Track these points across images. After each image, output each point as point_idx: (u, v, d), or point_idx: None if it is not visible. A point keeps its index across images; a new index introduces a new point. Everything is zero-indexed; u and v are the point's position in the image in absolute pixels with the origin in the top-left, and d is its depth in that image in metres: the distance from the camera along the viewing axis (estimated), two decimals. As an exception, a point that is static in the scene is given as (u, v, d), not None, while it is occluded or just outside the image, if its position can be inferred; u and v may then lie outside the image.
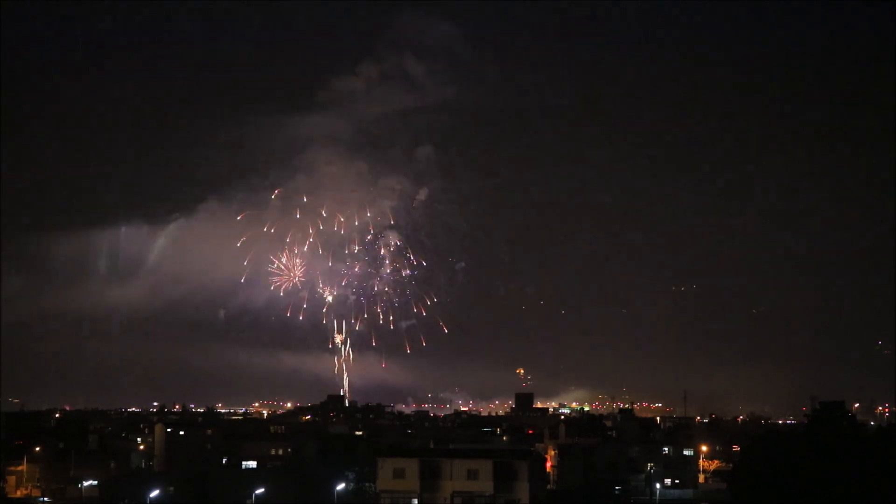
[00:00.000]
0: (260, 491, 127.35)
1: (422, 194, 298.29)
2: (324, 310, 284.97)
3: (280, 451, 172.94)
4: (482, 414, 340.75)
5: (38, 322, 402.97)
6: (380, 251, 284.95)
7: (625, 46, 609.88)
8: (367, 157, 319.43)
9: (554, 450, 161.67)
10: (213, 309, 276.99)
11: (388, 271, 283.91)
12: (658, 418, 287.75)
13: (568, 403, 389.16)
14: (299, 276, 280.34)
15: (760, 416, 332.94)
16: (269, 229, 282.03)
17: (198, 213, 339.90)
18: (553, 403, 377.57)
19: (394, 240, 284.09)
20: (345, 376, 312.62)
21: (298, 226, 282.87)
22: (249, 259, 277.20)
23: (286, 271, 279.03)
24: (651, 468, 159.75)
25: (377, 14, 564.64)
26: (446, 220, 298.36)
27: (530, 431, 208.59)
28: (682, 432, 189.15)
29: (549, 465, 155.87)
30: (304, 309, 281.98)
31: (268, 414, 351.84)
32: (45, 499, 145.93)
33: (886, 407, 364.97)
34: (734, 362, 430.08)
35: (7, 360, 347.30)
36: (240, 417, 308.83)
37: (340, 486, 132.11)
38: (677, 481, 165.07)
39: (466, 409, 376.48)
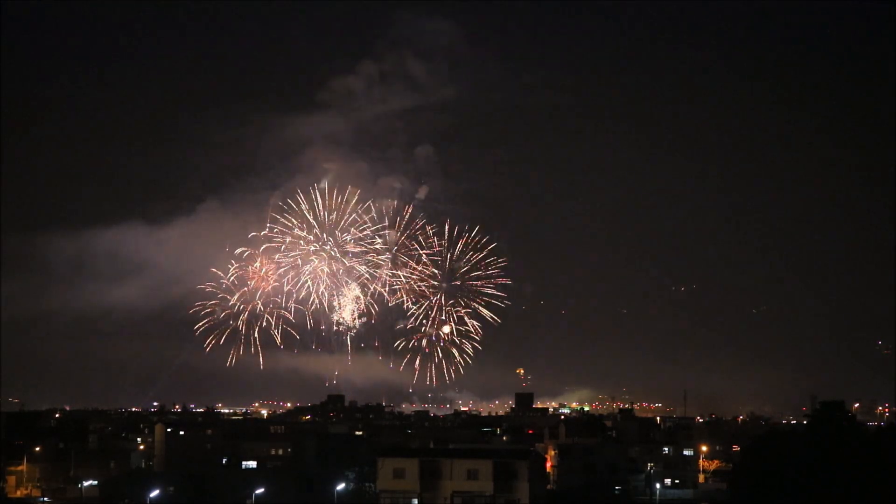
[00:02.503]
0: (260, 491, 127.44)
1: (421, 192, 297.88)
2: (321, 307, 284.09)
3: (280, 451, 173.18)
4: (482, 414, 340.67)
5: (38, 322, 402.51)
6: (379, 250, 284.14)
7: (625, 45, 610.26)
8: (367, 156, 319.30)
9: (554, 450, 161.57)
10: (212, 309, 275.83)
11: (388, 270, 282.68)
12: (658, 418, 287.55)
13: (568, 403, 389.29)
14: (298, 276, 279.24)
15: (760, 416, 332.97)
16: (267, 229, 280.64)
17: (197, 213, 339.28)
18: (553, 403, 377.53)
19: (393, 239, 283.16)
20: (345, 375, 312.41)
21: (297, 225, 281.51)
22: (248, 259, 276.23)
23: (283, 270, 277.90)
24: (651, 468, 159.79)
25: (377, 13, 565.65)
26: (446, 220, 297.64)
27: (530, 431, 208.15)
28: (682, 432, 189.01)
29: (549, 465, 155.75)
30: (304, 309, 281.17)
31: (268, 414, 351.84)
32: (45, 499, 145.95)
33: (886, 407, 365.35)
34: (734, 362, 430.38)
35: (7, 360, 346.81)
36: (240, 417, 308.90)
37: (340, 486, 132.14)
38: (677, 481, 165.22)
39: (466, 409, 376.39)
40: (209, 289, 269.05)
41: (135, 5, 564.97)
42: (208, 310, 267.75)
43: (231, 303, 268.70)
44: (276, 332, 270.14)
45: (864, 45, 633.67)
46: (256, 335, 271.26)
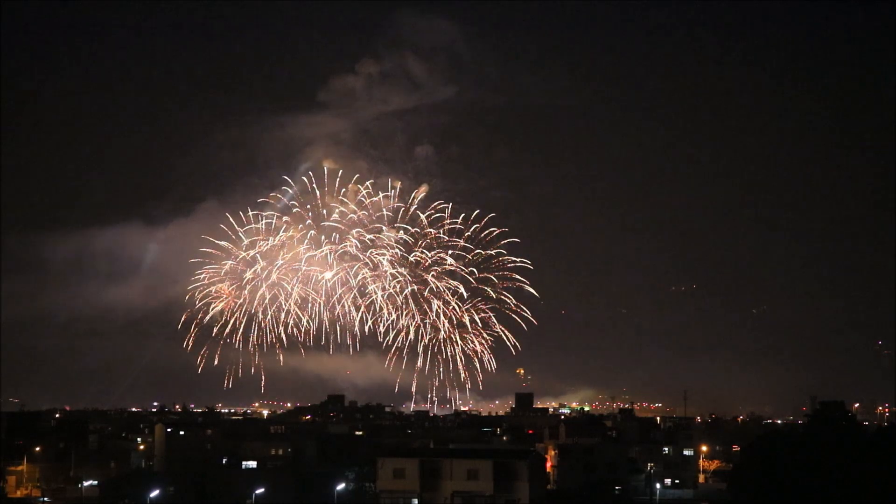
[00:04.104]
0: (260, 491, 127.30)
1: (421, 191, 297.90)
2: (320, 309, 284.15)
3: (280, 451, 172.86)
4: (482, 414, 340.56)
5: (38, 322, 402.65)
6: (379, 250, 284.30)
7: (626, 46, 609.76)
8: (367, 156, 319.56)
9: (554, 450, 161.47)
10: (210, 309, 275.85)
11: (388, 270, 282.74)
12: (658, 418, 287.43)
13: (568, 403, 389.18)
14: (297, 277, 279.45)
15: (760, 416, 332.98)
16: (267, 230, 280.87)
17: (197, 213, 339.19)
18: (553, 403, 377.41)
19: (393, 239, 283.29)
20: (345, 375, 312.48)
21: (297, 225, 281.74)
22: (245, 261, 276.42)
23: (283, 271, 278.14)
24: (651, 468, 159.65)
25: (377, 12, 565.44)
26: (445, 220, 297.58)
27: (530, 431, 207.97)
28: (682, 432, 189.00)
29: (549, 465, 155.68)
30: (303, 311, 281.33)
31: (268, 414, 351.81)
32: (45, 499, 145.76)
33: (886, 407, 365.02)
34: (734, 362, 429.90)
35: (7, 360, 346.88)
36: (240, 417, 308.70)
37: (340, 486, 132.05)
38: (677, 481, 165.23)
39: (467, 409, 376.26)
40: (208, 290, 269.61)
41: (135, 5, 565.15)
42: (207, 311, 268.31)
43: (229, 303, 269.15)
44: (275, 333, 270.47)
45: (863, 45, 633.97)
46: (255, 336, 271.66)
